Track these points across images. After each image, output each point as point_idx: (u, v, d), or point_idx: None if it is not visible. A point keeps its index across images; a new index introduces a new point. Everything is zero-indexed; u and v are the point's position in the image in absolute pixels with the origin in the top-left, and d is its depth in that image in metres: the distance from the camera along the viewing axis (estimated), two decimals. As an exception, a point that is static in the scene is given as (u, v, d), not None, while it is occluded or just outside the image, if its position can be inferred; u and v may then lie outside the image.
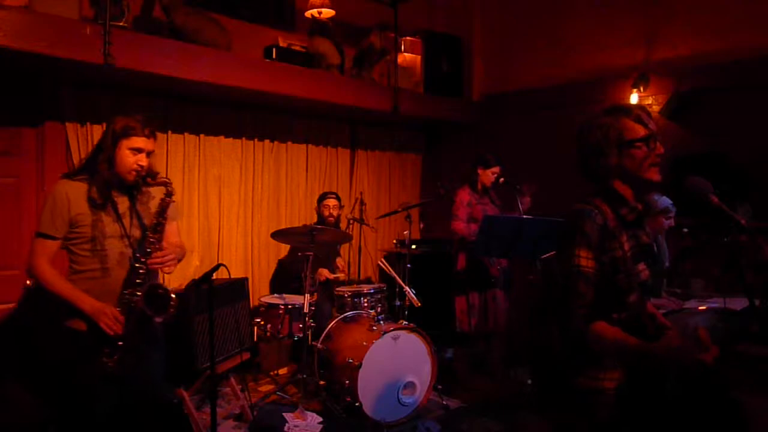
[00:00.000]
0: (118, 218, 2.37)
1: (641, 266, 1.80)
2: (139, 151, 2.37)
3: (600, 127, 1.80)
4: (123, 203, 2.41)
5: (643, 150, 1.75)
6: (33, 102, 3.88)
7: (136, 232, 2.41)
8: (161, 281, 2.55)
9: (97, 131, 4.03)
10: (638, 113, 1.78)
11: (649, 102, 4.71)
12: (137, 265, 2.34)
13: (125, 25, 3.55)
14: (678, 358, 1.56)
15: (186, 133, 4.58)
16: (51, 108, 3.91)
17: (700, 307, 3.15)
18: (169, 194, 2.43)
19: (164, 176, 2.45)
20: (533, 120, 5.45)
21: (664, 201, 3.42)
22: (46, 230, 2.32)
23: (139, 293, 2.32)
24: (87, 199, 2.32)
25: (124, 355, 2.30)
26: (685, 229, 3.72)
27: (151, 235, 2.38)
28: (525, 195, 4.30)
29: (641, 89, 4.66)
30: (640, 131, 1.76)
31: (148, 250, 2.36)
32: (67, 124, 3.95)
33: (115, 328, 2.26)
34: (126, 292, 2.33)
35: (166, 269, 2.42)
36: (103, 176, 2.34)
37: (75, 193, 2.33)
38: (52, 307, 2.31)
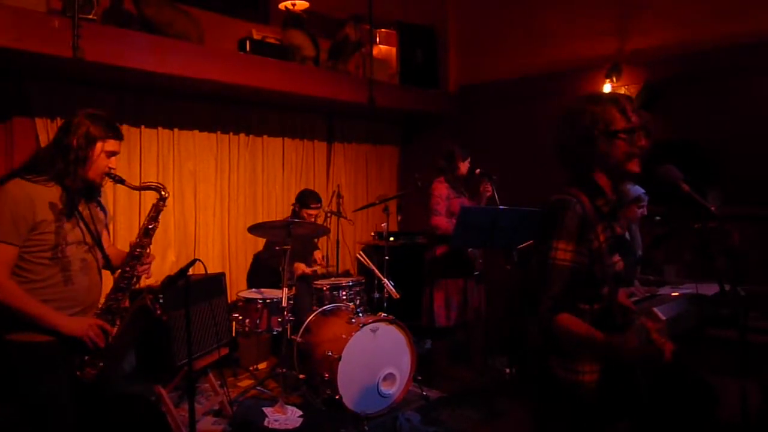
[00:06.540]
0: (79, 223, 2.22)
1: (616, 257, 1.81)
2: (114, 154, 2.26)
3: (589, 114, 1.77)
4: (83, 207, 2.25)
5: (626, 142, 1.74)
6: (0, 97, 3.77)
7: (93, 237, 2.27)
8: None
9: (67, 126, 3.96)
10: (624, 104, 1.77)
11: (622, 92, 4.77)
12: (126, 269, 2.29)
13: (94, 18, 3.47)
14: (635, 355, 1.58)
15: (159, 128, 4.50)
16: (20, 103, 3.81)
17: (673, 293, 3.21)
18: (163, 198, 2.36)
19: (155, 181, 2.41)
20: (509, 111, 5.48)
21: (637, 190, 3.47)
22: (6, 237, 2.06)
23: (120, 298, 2.28)
24: (51, 204, 2.12)
25: (105, 363, 2.21)
26: (658, 217, 3.78)
27: (142, 240, 2.32)
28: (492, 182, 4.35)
29: (614, 79, 4.71)
30: (624, 123, 1.75)
31: (138, 253, 2.29)
32: (36, 119, 3.86)
33: (100, 341, 2.16)
34: (111, 296, 2.28)
35: (146, 276, 2.39)
36: (77, 181, 2.16)
37: (39, 197, 2.11)
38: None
